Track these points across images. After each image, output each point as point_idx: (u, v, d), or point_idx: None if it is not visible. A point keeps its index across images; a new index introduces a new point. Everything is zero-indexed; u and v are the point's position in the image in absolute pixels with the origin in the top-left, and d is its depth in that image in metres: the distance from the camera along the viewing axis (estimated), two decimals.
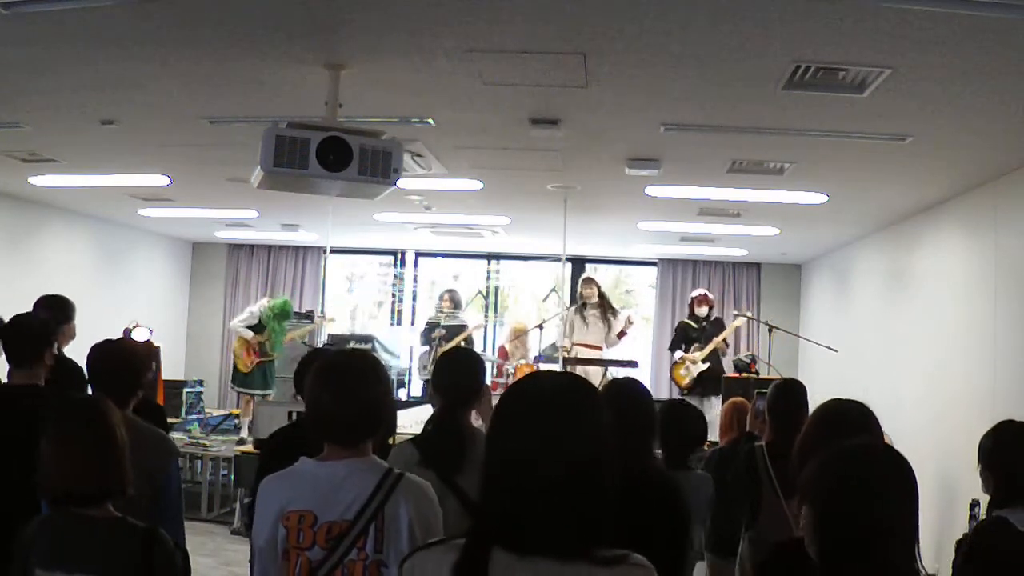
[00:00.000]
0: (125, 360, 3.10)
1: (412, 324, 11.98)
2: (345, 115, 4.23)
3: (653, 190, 6.67)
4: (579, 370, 8.08)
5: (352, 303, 13.13)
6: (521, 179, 6.72)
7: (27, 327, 3.54)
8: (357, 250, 11.98)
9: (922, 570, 1.75)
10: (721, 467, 4.30)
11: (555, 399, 1.56)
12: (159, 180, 7.25)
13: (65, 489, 2.27)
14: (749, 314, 9.70)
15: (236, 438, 8.95)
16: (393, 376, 9.70)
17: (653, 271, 11.83)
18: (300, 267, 12.21)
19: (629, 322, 9.08)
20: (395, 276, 12.20)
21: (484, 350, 11.09)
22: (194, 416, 9.85)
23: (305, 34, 3.77)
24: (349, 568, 2.15)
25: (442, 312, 9.83)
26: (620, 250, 11.25)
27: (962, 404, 5.94)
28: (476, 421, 3.06)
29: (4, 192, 8.16)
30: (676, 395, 8.71)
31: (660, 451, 3.56)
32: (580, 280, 9.48)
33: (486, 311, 11.98)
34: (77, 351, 3.73)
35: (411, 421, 6.48)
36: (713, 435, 5.40)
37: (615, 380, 3.06)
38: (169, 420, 6.01)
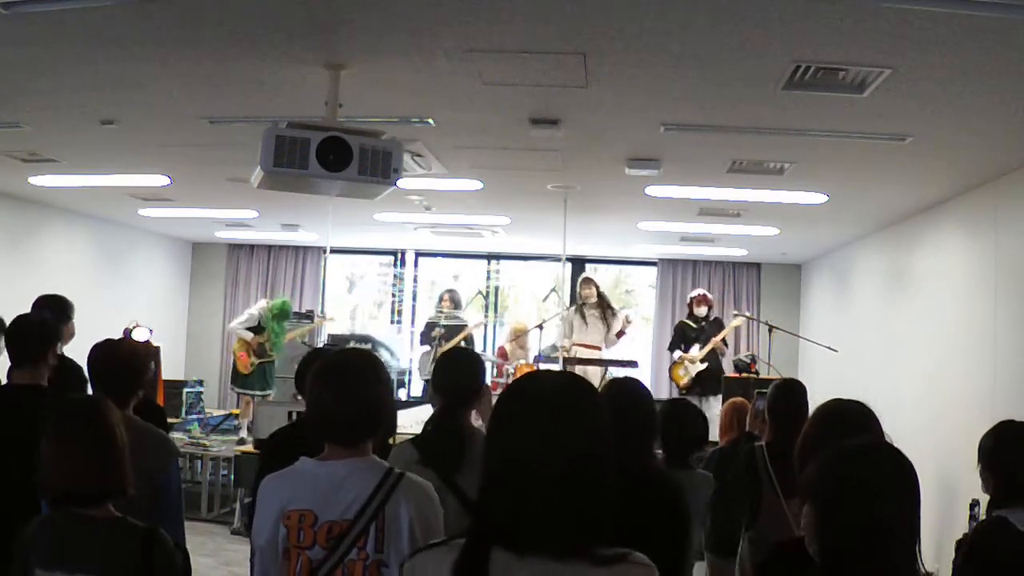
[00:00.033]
0: (125, 360, 3.09)
1: (412, 324, 11.99)
2: (345, 115, 4.23)
3: (653, 190, 6.67)
4: (579, 370, 8.08)
5: (352, 303, 13.14)
6: (521, 179, 6.72)
7: (32, 326, 3.53)
8: (357, 250, 11.98)
9: (922, 570, 1.75)
10: (721, 467, 4.31)
11: (554, 397, 1.56)
12: (159, 180, 7.25)
13: (65, 489, 2.27)
14: (748, 314, 9.71)
15: (236, 438, 8.94)
16: (393, 376, 9.70)
17: (653, 271, 11.83)
18: (300, 267, 12.21)
19: (627, 322, 9.07)
20: (395, 276, 12.21)
21: (484, 350, 11.09)
22: (194, 416, 9.85)
23: (305, 34, 3.77)
24: (349, 568, 2.15)
25: (442, 312, 9.84)
26: (620, 250, 11.25)
27: (962, 404, 5.94)
28: (476, 421, 3.06)
29: (4, 192, 8.16)
30: (676, 395, 8.71)
31: (660, 451, 3.56)
32: (579, 280, 9.48)
33: (486, 311, 11.98)
34: (77, 351, 3.73)
35: (411, 421, 6.48)
36: (712, 435, 5.40)
37: (615, 380, 3.06)
38: (169, 420, 6.00)
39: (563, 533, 1.48)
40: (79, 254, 9.81)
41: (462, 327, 9.69)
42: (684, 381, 8.72)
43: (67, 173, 7.12)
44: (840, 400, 2.69)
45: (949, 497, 5.54)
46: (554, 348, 9.10)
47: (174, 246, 11.97)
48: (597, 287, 9.14)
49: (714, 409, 7.71)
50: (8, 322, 3.63)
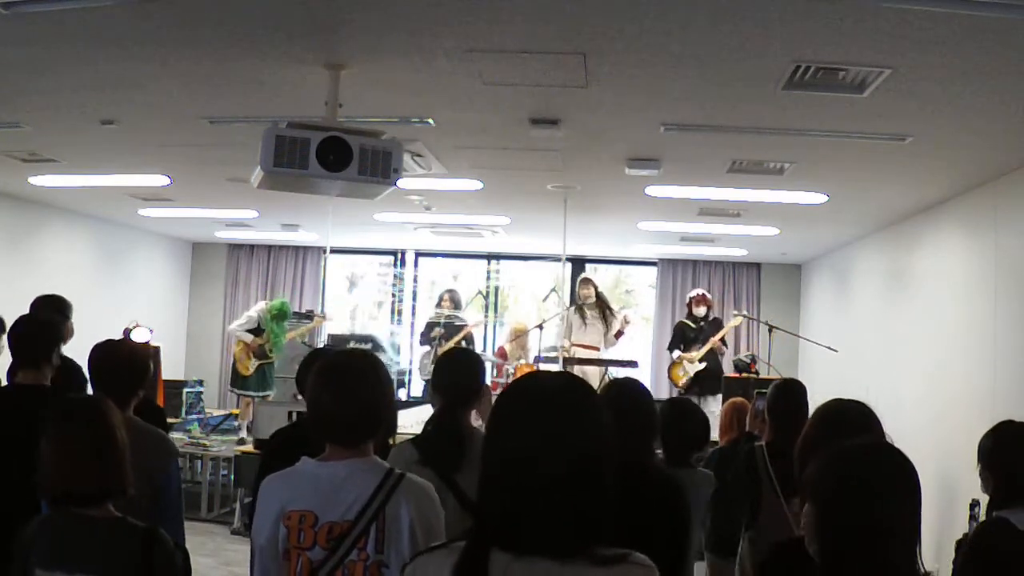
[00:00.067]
0: (126, 360, 3.09)
1: (412, 324, 11.98)
2: (345, 115, 4.23)
3: (653, 190, 6.67)
4: (578, 370, 8.08)
5: (352, 303, 13.14)
6: (521, 179, 6.72)
7: (37, 327, 3.53)
8: (357, 250, 11.97)
9: (922, 570, 1.74)
10: (721, 467, 4.31)
11: (556, 397, 1.56)
12: (159, 180, 7.25)
13: (65, 489, 2.27)
14: (746, 313, 9.71)
15: (236, 438, 8.95)
16: (393, 376, 9.69)
17: (653, 271, 11.83)
18: (300, 267, 12.21)
19: (626, 322, 9.08)
20: (395, 276, 12.21)
21: (484, 350, 11.09)
22: (194, 416, 9.85)
23: (305, 34, 3.77)
24: (350, 568, 2.15)
25: (442, 312, 9.84)
26: (620, 250, 11.25)
27: (962, 404, 5.94)
28: (476, 421, 3.06)
29: (4, 192, 8.16)
30: (676, 395, 8.71)
31: (660, 450, 3.56)
32: (577, 280, 9.48)
33: (486, 311, 11.98)
34: (77, 351, 3.73)
35: (411, 421, 6.49)
36: (712, 435, 5.41)
37: (615, 380, 3.07)
38: (169, 420, 6.01)
39: (563, 533, 1.48)
40: (79, 254, 9.81)
41: (462, 327, 9.69)
42: (683, 381, 8.71)
43: (67, 173, 7.12)
44: (840, 400, 2.69)
45: (949, 497, 5.54)
46: (554, 348, 9.10)
47: (174, 246, 11.96)
48: (595, 287, 9.14)
49: (713, 409, 7.71)
50: (8, 322, 3.62)
